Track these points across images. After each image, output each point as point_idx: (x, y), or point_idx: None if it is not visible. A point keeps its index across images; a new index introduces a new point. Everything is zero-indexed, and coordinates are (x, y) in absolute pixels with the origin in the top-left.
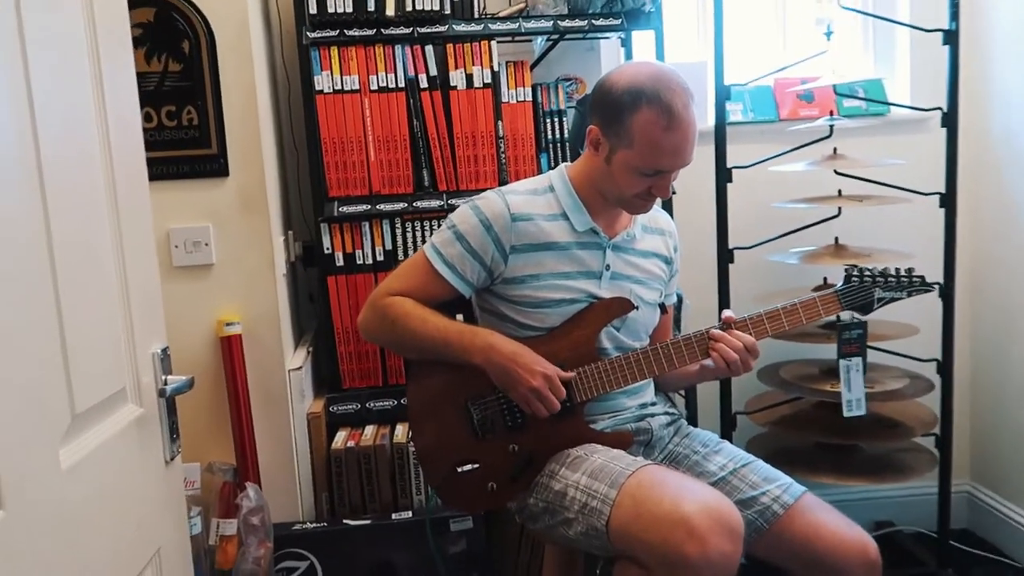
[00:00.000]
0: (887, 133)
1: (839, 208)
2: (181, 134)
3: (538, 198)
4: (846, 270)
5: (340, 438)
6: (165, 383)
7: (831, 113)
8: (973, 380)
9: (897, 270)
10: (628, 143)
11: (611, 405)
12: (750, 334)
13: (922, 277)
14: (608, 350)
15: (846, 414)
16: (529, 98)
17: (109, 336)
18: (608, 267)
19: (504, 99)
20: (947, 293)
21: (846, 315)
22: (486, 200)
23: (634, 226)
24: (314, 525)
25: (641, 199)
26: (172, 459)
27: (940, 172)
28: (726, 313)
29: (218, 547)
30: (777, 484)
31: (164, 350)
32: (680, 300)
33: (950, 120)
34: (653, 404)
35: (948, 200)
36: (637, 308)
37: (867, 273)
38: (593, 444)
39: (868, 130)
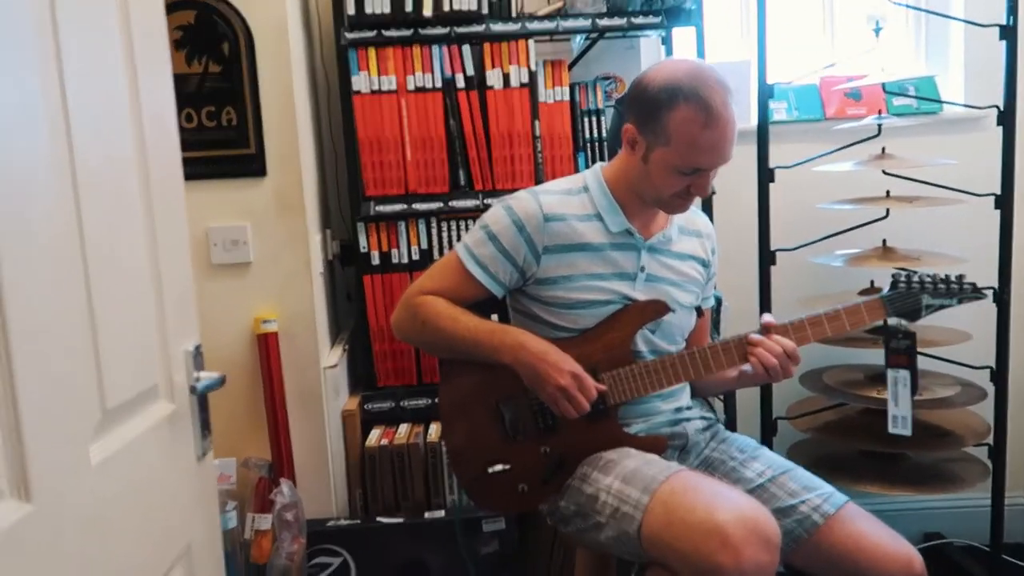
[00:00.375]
0: (939, 132)
1: (887, 209)
2: (220, 134)
3: (572, 198)
4: (893, 275)
5: (374, 436)
6: (197, 380)
7: (879, 112)
8: None
9: (947, 276)
10: (665, 141)
11: (645, 409)
12: (791, 339)
13: (973, 284)
14: (643, 353)
15: (891, 430)
16: (567, 97)
17: (141, 333)
18: (643, 269)
19: (541, 99)
20: (1002, 298)
21: (893, 321)
22: (519, 200)
23: (670, 227)
24: (347, 522)
25: (679, 198)
26: (204, 455)
27: (995, 173)
28: (766, 317)
29: (253, 541)
30: (818, 493)
31: (197, 347)
32: (719, 302)
33: (1007, 118)
34: (689, 408)
35: (1004, 201)
36: (673, 311)
37: (915, 279)
38: (626, 448)
39: (919, 129)
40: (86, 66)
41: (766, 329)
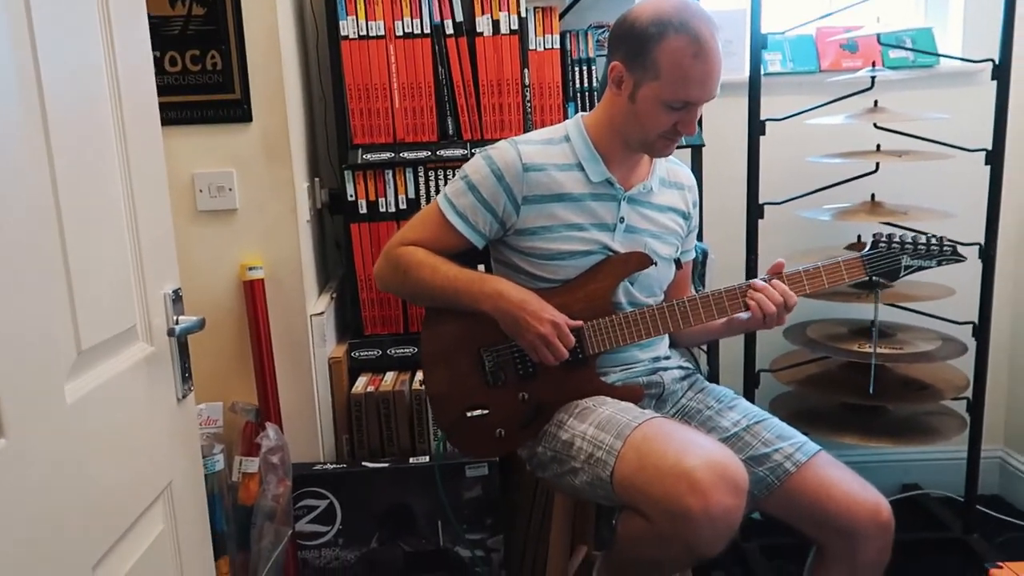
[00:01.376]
0: (934, 86)
1: (876, 164)
2: (205, 79)
3: (552, 147)
4: (874, 235)
5: (361, 383)
6: (176, 323)
7: (873, 64)
8: (1013, 345)
9: (928, 237)
10: (655, 74)
11: (624, 358)
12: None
13: (954, 246)
14: (622, 304)
15: None
16: (557, 46)
17: (118, 276)
18: (623, 219)
19: (531, 46)
20: (988, 254)
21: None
22: (498, 150)
23: (651, 179)
24: (334, 466)
25: (665, 139)
26: (184, 397)
27: (988, 129)
28: (779, 263)
29: (240, 483)
30: (791, 442)
31: (176, 291)
32: (705, 255)
33: (1002, 72)
34: (667, 358)
35: (994, 157)
36: (656, 264)
37: (896, 239)
38: (603, 396)
39: (913, 82)
40: (56, 6)
41: (775, 272)
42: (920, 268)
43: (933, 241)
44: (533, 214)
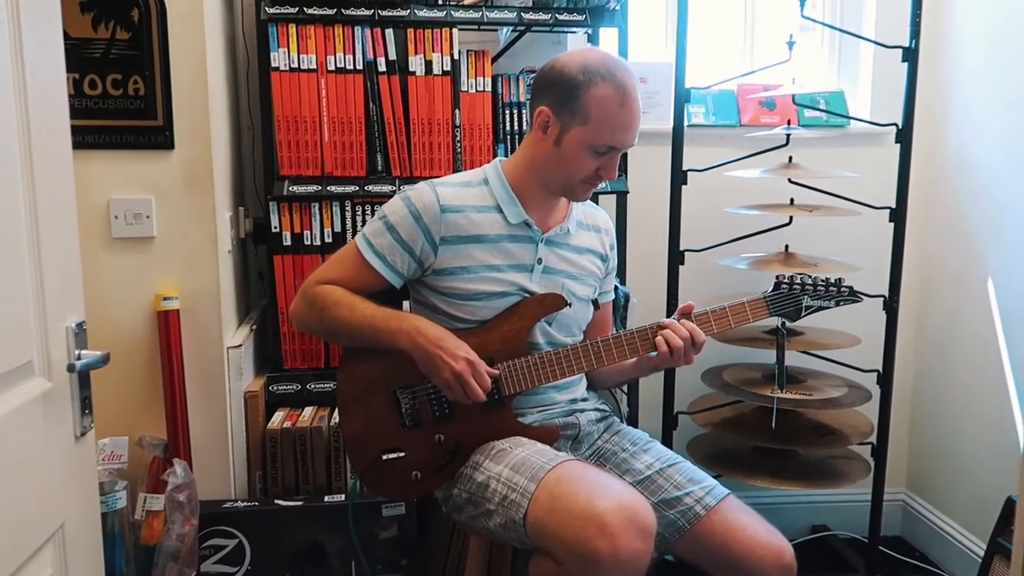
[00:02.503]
0: (844, 145)
1: (790, 217)
2: (127, 103)
3: (471, 190)
4: (777, 277)
5: (278, 418)
6: (78, 357)
7: (788, 122)
8: (915, 392)
9: (827, 279)
10: (583, 119)
11: (541, 399)
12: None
13: (850, 287)
14: (540, 344)
15: None
16: (489, 88)
17: (15, 309)
18: (540, 260)
19: (463, 88)
20: (891, 306)
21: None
22: (417, 191)
23: (568, 221)
24: (244, 503)
25: (587, 183)
26: (83, 434)
27: (894, 187)
28: (687, 304)
29: (144, 522)
30: (701, 486)
31: (80, 324)
32: (627, 299)
33: (904, 136)
34: (584, 400)
35: (897, 214)
36: (570, 305)
37: (797, 281)
38: (520, 437)
39: (825, 141)
40: None
41: (683, 313)
42: (820, 308)
43: (832, 282)
44: (451, 255)
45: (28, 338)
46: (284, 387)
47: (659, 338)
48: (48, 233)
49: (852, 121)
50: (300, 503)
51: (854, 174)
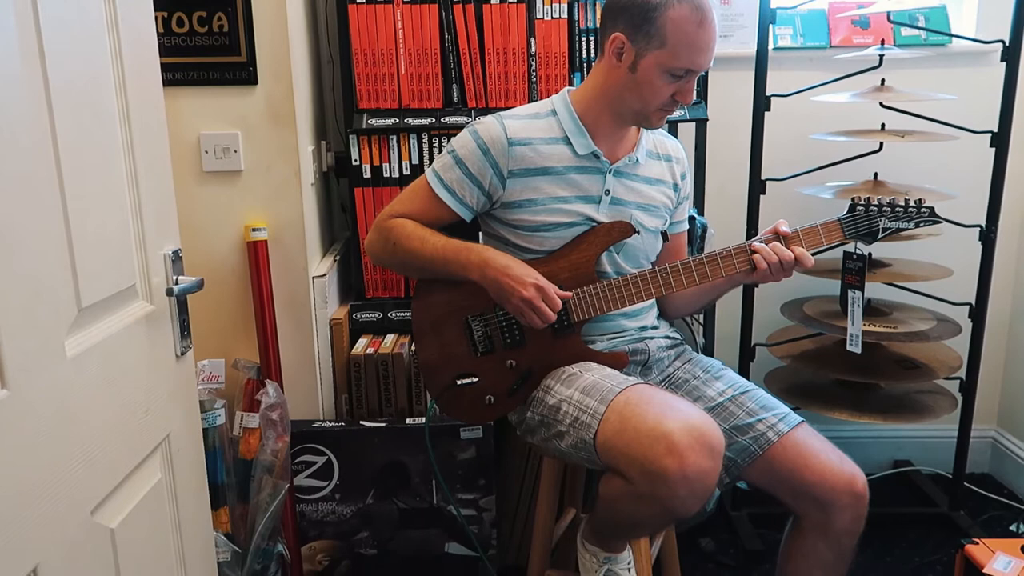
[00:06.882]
0: (942, 65)
1: (880, 143)
2: (212, 40)
3: (538, 122)
4: (852, 199)
5: (361, 344)
6: (176, 282)
7: (882, 42)
8: (1012, 328)
9: (906, 200)
10: (660, 43)
11: (610, 326)
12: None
13: (931, 208)
14: (608, 274)
15: (848, 347)
16: (565, 15)
17: (118, 237)
18: (608, 192)
19: (538, 15)
20: (988, 236)
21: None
22: (484, 125)
23: (637, 151)
24: (332, 424)
25: (663, 110)
26: (183, 354)
27: (996, 110)
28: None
29: (241, 438)
30: (774, 412)
31: (176, 252)
32: (705, 229)
33: (1011, 53)
34: (655, 328)
35: (1000, 139)
36: (638, 232)
37: (873, 203)
38: (589, 362)
39: (921, 62)
40: None
41: (776, 233)
42: (899, 230)
43: (911, 204)
44: (519, 187)
45: (131, 264)
46: (367, 315)
47: (756, 256)
48: (145, 168)
49: (954, 40)
50: (383, 424)
51: (953, 96)
